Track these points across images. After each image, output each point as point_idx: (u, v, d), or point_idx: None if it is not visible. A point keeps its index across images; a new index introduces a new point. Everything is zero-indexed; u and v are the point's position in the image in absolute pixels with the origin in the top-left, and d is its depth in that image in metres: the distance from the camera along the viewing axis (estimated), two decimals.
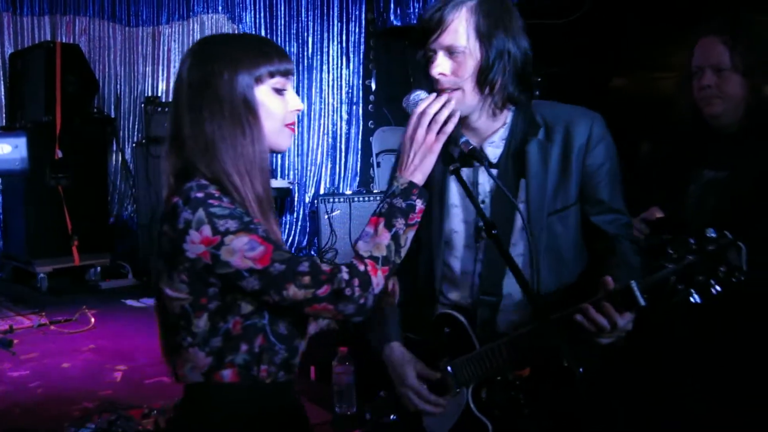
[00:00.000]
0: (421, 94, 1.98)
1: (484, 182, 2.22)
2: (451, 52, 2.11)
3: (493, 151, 2.22)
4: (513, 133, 2.23)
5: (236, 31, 8.26)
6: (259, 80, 1.80)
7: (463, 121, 2.14)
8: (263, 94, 1.81)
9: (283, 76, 1.84)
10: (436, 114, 1.90)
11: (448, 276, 2.31)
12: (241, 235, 1.67)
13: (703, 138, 2.64)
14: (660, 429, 2.64)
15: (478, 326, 2.24)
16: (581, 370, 1.82)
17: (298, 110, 1.88)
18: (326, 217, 6.64)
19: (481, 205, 2.18)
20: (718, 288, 1.82)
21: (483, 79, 2.11)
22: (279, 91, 1.84)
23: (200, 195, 1.71)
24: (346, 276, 1.71)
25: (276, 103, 1.83)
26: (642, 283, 1.88)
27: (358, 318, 1.75)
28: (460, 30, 2.10)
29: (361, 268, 1.74)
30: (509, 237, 2.19)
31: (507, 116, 2.23)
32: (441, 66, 2.11)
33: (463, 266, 2.28)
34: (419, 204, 1.82)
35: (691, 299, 1.84)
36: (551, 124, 2.22)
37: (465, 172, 2.19)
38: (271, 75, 1.82)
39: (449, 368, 2.23)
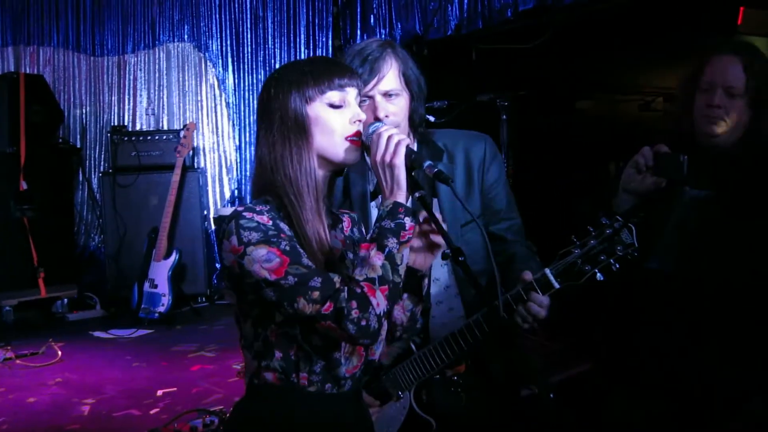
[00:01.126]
0: (378, 125, 2.03)
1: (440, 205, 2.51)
2: (389, 95, 2.42)
3: None
4: None
5: (202, 60, 8.27)
6: (310, 98, 1.88)
7: None
8: (317, 110, 1.89)
9: (338, 90, 1.90)
10: (390, 135, 1.94)
11: None
12: (260, 246, 1.77)
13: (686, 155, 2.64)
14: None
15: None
16: (551, 396, 1.92)
17: (359, 121, 1.93)
18: None
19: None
20: (617, 265, 2.13)
21: (413, 114, 2.49)
22: (335, 106, 1.90)
23: (241, 208, 1.84)
24: (345, 296, 1.75)
25: (332, 118, 1.90)
26: (554, 269, 2.22)
27: (365, 340, 1.78)
28: (393, 75, 2.43)
29: (358, 290, 1.76)
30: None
31: (415, 144, 2.57)
32: (384, 109, 2.41)
33: None
34: (408, 221, 1.85)
35: (597, 278, 2.16)
36: (451, 148, 2.59)
37: None
38: (322, 91, 1.88)
39: (390, 376, 2.49)
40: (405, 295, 2.05)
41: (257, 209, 1.83)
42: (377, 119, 2.38)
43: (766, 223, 2.45)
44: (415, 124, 2.53)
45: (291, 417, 1.91)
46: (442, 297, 2.56)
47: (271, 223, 1.81)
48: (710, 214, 2.53)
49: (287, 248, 1.78)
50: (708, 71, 2.57)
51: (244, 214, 1.81)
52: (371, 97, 2.41)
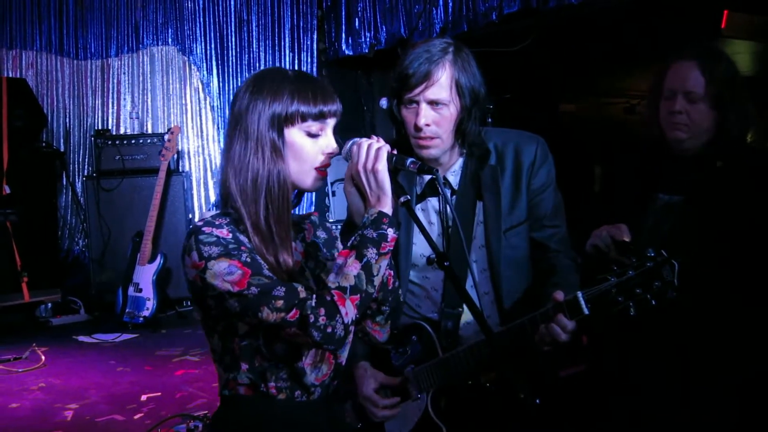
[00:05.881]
0: (356, 139, 2.01)
1: (448, 209, 2.46)
2: (435, 104, 2.33)
3: (454, 178, 2.48)
4: (469, 161, 2.49)
5: (186, 63, 8.24)
6: (290, 122, 1.86)
7: (433, 160, 2.42)
8: (294, 135, 1.87)
9: (318, 119, 1.88)
10: (370, 144, 1.93)
11: (416, 292, 2.55)
12: (221, 260, 1.76)
13: (658, 161, 2.65)
14: None
15: (443, 335, 2.48)
16: (537, 401, 1.90)
17: (331, 153, 1.91)
18: None
19: (449, 230, 2.48)
20: (654, 302, 2.04)
21: (460, 127, 2.38)
22: (312, 135, 1.88)
23: (200, 223, 1.84)
24: (313, 304, 1.75)
25: (307, 146, 1.88)
26: (587, 294, 2.12)
27: (330, 346, 1.78)
28: (444, 84, 2.33)
29: (327, 297, 1.76)
30: (469, 253, 2.45)
31: (456, 155, 2.49)
32: (426, 117, 2.33)
33: (433, 284, 2.52)
34: (391, 233, 1.84)
35: (630, 312, 2.06)
36: (501, 149, 2.49)
37: (432, 201, 2.50)
38: (304, 118, 1.86)
39: (412, 375, 2.48)
40: None
41: (216, 223, 1.83)
42: (417, 127, 2.34)
43: (738, 225, 2.46)
44: (464, 135, 2.41)
45: (264, 425, 1.91)
46: (479, 304, 2.40)
47: (231, 236, 1.81)
48: (683, 219, 2.54)
49: (248, 260, 1.78)
50: (669, 78, 2.59)
51: (203, 229, 1.81)
52: (417, 102, 2.34)
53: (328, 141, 1.90)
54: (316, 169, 1.90)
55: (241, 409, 1.92)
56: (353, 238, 1.84)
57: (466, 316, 2.48)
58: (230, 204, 1.87)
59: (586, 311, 2.13)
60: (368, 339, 2.09)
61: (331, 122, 1.91)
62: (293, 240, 1.99)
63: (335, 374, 2.00)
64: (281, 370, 1.88)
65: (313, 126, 1.87)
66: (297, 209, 2.11)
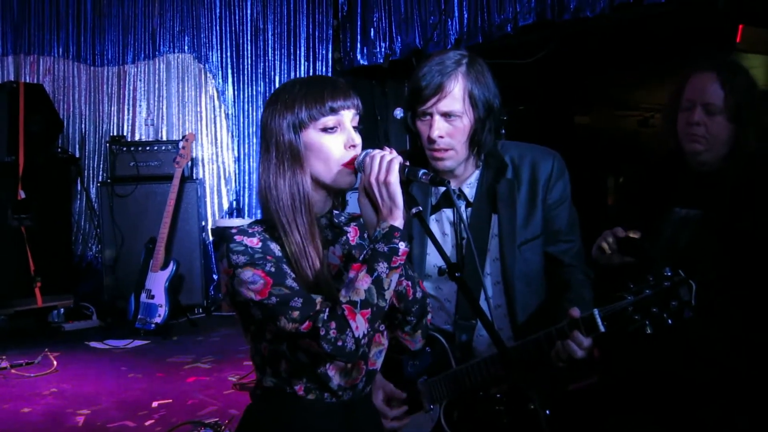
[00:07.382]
0: (369, 150, 1.99)
1: (464, 220, 2.45)
2: (448, 116, 2.34)
3: (470, 191, 2.49)
4: (485, 174, 2.49)
5: (202, 71, 8.28)
6: (303, 125, 1.88)
7: (449, 171, 2.43)
8: (312, 136, 1.89)
9: (330, 114, 1.88)
10: (382, 156, 1.92)
11: (430, 303, 2.49)
12: (247, 269, 1.82)
13: (675, 174, 2.64)
14: None
15: (457, 347, 2.48)
16: (548, 412, 1.90)
17: (354, 146, 1.91)
18: None
19: (462, 242, 2.49)
20: (670, 321, 2.06)
21: (474, 139, 2.39)
22: (329, 130, 1.89)
23: (234, 230, 1.89)
24: (325, 317, 1.78)
25: (327, 143, 1.90)
26: (603, 312, 2.14)
27: (342, 358, 1.81)
28: (457, 96, 2.34)
29: (339, 312, 1.78)
30: (483, 265, 2.46)
31: (480, 159, 2.50)
32: (439, 129, 2.35)
33: (446, 295, 2.53)
34: (402, 246, 1.84)
35: (647, 330, 2.08)
36: (518, 163, 2.49)
37: (446, 212, 2.50)
38: (315, 117, 1.88)
39: (425, 386, 2.47)
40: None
41: (249, 231, 1.88)
42: (430, 139, 2.35)
43: (756, 240, 2.45)
44: (479, 147, 2.43)
45: (290, 423, 1.94)
46: (491, 316, 2.41)
47: (260, 245, 1.85)
48: (700, 234, 2.53)
49: (272, 270, 1.82)
50: (688, 90, 2.58)
51: (235, 237, 1.86)
52: (430, 115, 2.36)
53: (347, 134, 1.91)
54: (344, 165, 1.90)
55: (266, 404, 1.98)
56: (365, 251, 1.86)
57: (481, 328, 2.48)
58: (266, 212, 1.92)
59: (602, 328, 2.14)
60: (402, 348, 2.11)
61: (348, 114, 1.91)
62: (332, 244, 2.01)
63: (368, 378, 2.02)
64: (307, 379, 1.91)
65: (329, 121, 1.88)
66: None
